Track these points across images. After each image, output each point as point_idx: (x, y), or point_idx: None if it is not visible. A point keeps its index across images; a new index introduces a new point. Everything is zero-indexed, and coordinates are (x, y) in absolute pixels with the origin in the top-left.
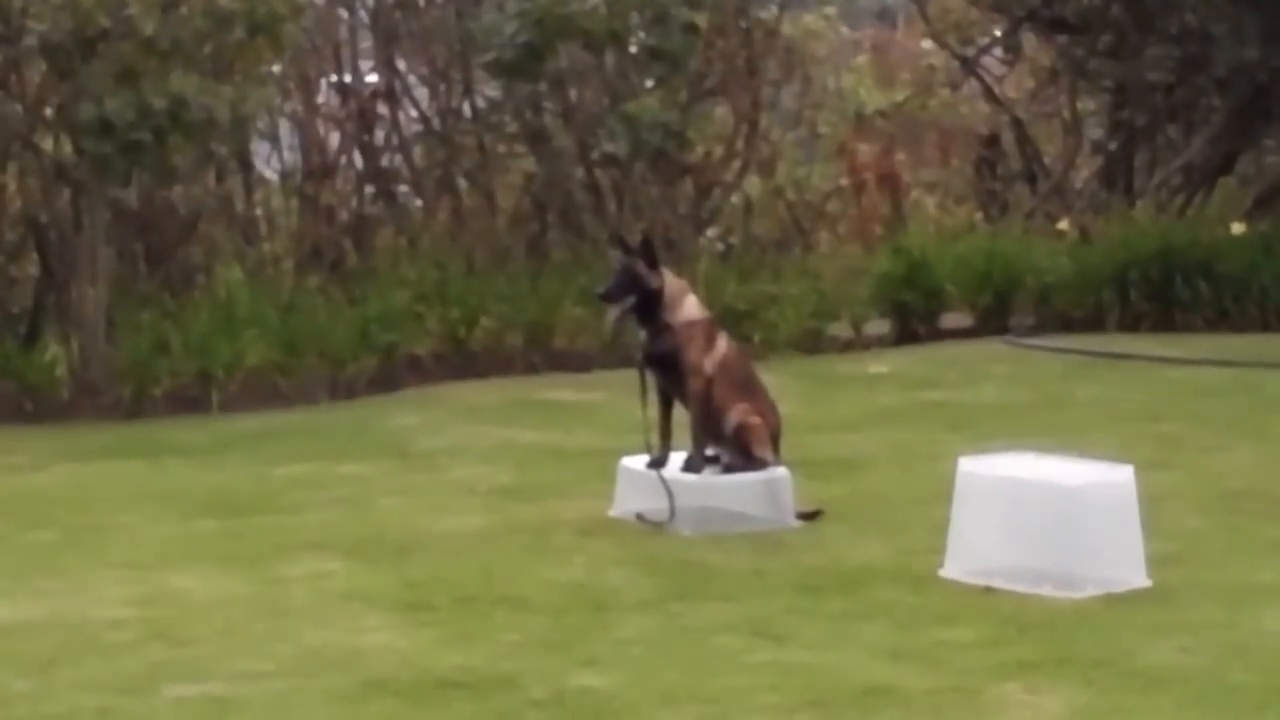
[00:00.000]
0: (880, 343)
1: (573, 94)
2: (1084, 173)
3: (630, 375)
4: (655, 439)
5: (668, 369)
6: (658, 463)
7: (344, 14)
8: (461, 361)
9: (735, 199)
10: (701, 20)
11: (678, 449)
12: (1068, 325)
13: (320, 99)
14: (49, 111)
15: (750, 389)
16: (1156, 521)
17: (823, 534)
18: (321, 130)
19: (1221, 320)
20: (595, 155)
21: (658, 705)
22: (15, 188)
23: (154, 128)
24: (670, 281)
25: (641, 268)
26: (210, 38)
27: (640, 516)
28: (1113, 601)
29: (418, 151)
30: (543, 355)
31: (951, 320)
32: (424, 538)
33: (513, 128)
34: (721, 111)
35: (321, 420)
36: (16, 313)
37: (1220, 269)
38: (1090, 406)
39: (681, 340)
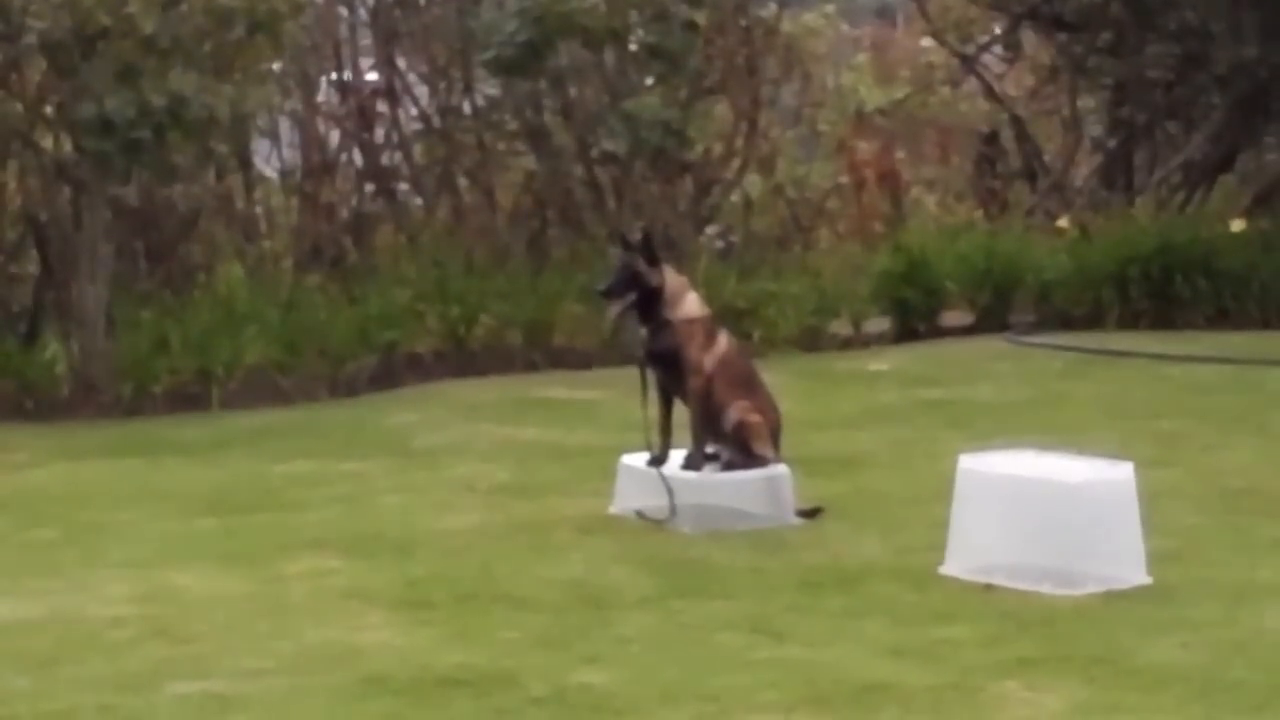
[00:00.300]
0: (880, 340)
1: (572, 92)
2: (1084, 170)
3: (630, 373)
4: (655, 436)
5: (668, 366)
6: (658, 460)
7: (344, 12)
8: (461, 359)
9: (735, 197)
10: (701, 18)
11: (678, 446)
12: (1067, 323)
13: (320, 97)
14: (49, 109)
15: (750, 386)
16: (1156, 519)
17: (823, 531)
18: (321, 128)
19: (1221, 317)
20: (595, 153)
21: (658, 703)
22: (15, 186)
23: (154, 126)
24: (670, 279)
25: (642, 265)
26: (210, 36)
27: (640, 514)
28: (1113, 599)
29: (418, 149)
30: (543, 353)
31: (951, 318)
32: (424, 535)
33: (513, 126)
34: (721, 109)
35: (321, 418)
36: (16, 311)
37: (1220, 266)
38: (1090, 404)
39: (682, 337)
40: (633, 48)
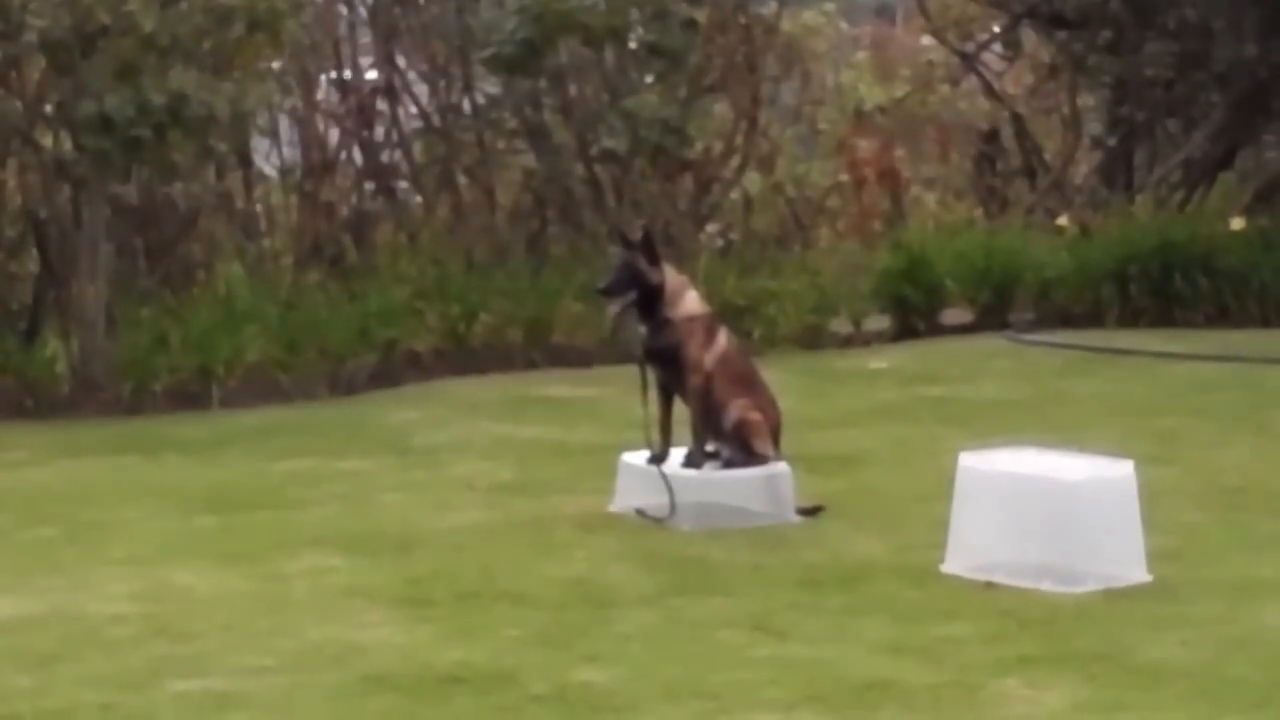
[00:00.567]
0: (880, 338)
1: (572, 90)
2: (1083, 168)
3: (630, 371)
4: (656, 434)
5: (668, 364)
6: (658, 458)
7: (343, 10)
8: (461, 357)
9: (735, 195)
10: (701, 16)
11: (678, 444)
12: (1067, 321)
13: (320, 95)
14: (49, 108)
15: (750, 384)
16: (1156, 516)
17: (823, 529)
18: (321, 126)
19: (1221, 316)
20: (595, 151)
21: (659, 700)
22: (15, 184)
23: (154, 124)
24: (670, 277)
25: (642, 263)
26: (210, 34)
27: (641, 512)
28: (1113, 596)
29: (417, 147)
30: (543, 351)
31: (951, 316)
32: (424, 533)
33: (512, 124)
34: (721, 107)
35: (322, 416)
36: (16, 309)
37: (1220, 264)
38: (1090, 402)
39: (682, 335)
40: (632, 46)
